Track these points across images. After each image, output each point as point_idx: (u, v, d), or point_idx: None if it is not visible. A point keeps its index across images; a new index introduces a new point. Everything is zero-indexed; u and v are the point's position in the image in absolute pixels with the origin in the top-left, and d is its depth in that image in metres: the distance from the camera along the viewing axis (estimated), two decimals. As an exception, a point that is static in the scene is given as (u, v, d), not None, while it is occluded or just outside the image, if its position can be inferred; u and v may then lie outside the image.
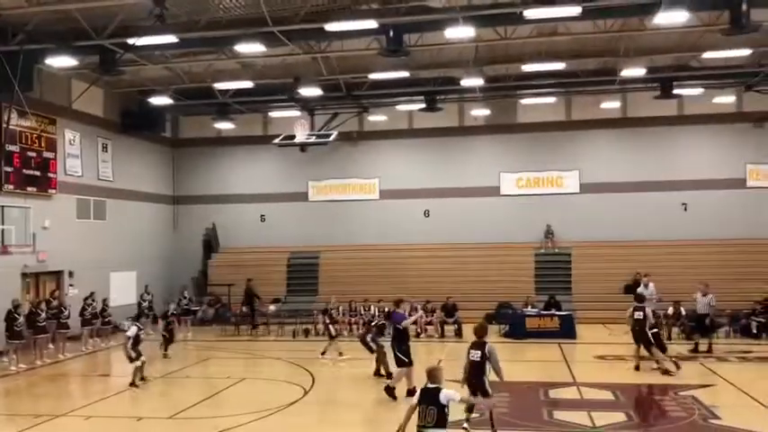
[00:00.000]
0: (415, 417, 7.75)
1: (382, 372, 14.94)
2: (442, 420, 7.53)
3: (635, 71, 22.14)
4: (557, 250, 27.17)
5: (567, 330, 21.00)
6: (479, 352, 10.61)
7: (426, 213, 28.54)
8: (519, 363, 18.06)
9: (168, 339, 18.82)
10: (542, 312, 22.02)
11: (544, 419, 11.84)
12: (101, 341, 20.87)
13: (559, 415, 12.08)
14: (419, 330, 21.90)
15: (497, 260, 26.96)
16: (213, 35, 18.23)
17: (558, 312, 21.92)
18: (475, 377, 10.54)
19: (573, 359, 17.91)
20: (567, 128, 27.75)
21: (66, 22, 17.48)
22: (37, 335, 18.03)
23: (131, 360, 14.75)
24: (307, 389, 14.39)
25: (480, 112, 27.74)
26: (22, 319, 17.63)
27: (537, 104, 26.94)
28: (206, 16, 17.57)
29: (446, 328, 21.89)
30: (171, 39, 17.59)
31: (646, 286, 19.58)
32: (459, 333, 21.51)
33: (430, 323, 22.09)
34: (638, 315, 15.70)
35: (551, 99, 26.77)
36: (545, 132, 27.69)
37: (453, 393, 7.75)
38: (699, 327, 18.74)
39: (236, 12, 17.67)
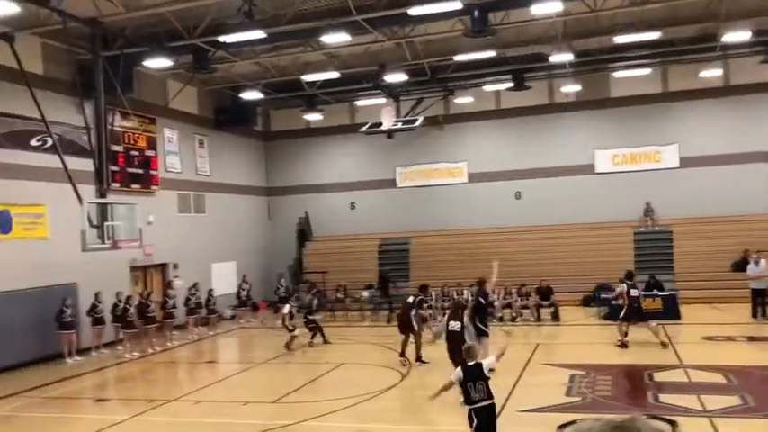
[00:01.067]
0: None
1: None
2: (490, 391, 8.24)
3: (738, 35, 20.78)
4: (657, 228, 26.08)
5: (670, 311, 20.16)
6: (459, 323, 12.61)
7: (518, 195, 28.03)
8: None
9: (315, 328, 18.79)
10: (644, 293, 21.21)
11: (650, 403, 11.42)
12: (207, 329, 21.80)
13: (666, 398, 11.63)
14: (514, 314, 21.64)
15: (594, 241, 26.15)
16: (299, 28, 18.53)
17: (660, 293, 21.08)
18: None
19: (678, 340, 17.14)
20: (663, 100, 26.49)
21: (161, 24, 18.25)
22: (147, 324, 19.06)
23: (290, 330, 17.98)
24: (404, 373, 14.50)
25: (571, 89, 26.88)
26: (133, 310, 18.70)
27: (631, 77, 25.80)
28: (291, 10, 17.87)
29: (542, 311, 21.49)
30: (259, 34, 18.00)
31: (756, 263, 18.54)
32: (555, 316, 21.08)
33: (525, 307, 21.75)
34: None
35: (646, 70, 25.59)
36: (640, 106, 26.53)
37: (490, 361, 8.53)
38: None
39: (321, 3, 17.88)
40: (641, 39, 21.15)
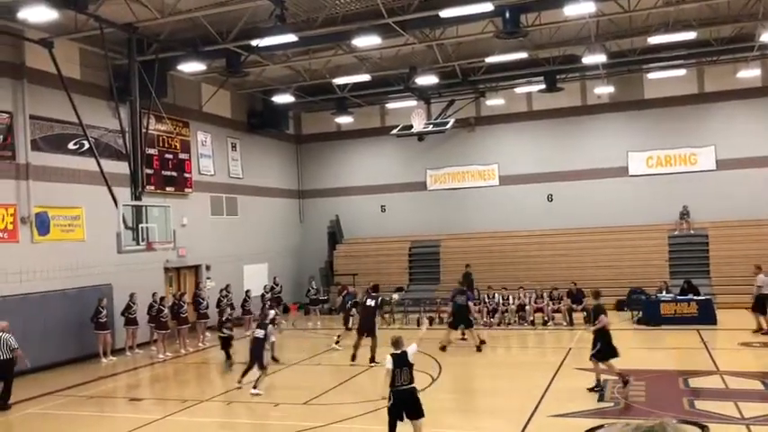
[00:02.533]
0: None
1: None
2: (412, 377, 9.26)
3: (777, 35, 20.37)
4: (692, 232, 25.60)
5: (706, 316, 19.83)
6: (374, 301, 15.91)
7: (550, 198, 27.77)
8: (654, 350, 17.34)
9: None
10: (678, 297, 20.89)
11: (685, 409, 11.21)
12: (244, 329, 21.93)
13: (702, 405, 11.40)
14: (546, 318, 21.44)
15: (628, 244, 25.78)
16: (331, 31, 18.64)
17: (695, 297, 20.71)
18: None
19: (714, 346, 16.84)
20: (699, 101, 26.01)
21: (195, 29, 18.52)
22: (180, 325, 19.31)
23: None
24: (434, 376, 14.46)
25: (604, 90, 26.52)
26: (167, 311, 18.95)
27: (665, 78, 25.40)
28: (323, 13, 17.98)
29: (574, 315, 21.23)
30: (291, 38, 18.14)
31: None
32: (588, 320, 20.81)
33: (557, 311, 21.53)
34: None
35: (681, 71, 25.18)
36: (675, 107, 26.10)
37: (413, 347, 9.38)
38: None
39: (352, 6, 17.95)
40: (676, 39, 20.84)
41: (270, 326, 14.31)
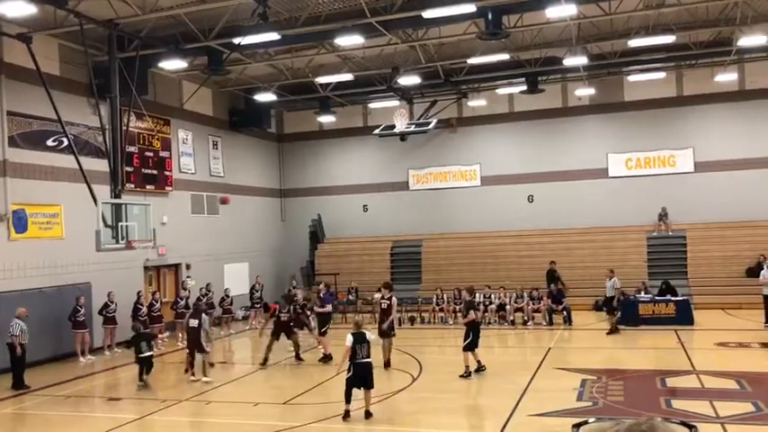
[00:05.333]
0: None
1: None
2: (369, 353, 11.19)
3: (754, 39, 20.65)
4: (670, 233, 25.91)
5: (683, 316, 20.06)
6: (389, 301, 15.38)
7: (530, 199, 27.95)
8: (632, 350, 17.52)
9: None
10: (656, 298, 21.12)
11: (662, 408, 11.34)
12: (220, 330, 21.87)
13: (678, 404, 11.57)
14: (526, 318, 21.57)
15: (607, 245, 26.05)
16: (313, 30, 18.59)
17: (673, 298, 20.95)
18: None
19: (691, 346, 17.06)
20: (678, 104, 26.33)
21: (176, 26, 18.40)
22: (153, 324, 19.13)
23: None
24: (415, 376, 14.50)
25: (585, 92, 26.79)
26: (144, 310, 18.82)
27: (645, 81, 25.71)
28: (306, 12, 17.94)
29: (554, 315, 21.38)
30: (274, 36, 18.09)
31: (770, 269, 18.42)
32: (568, 320, 21.00)
33: (537, 311, 21.67)
34: None
35: (661, 74, 25.48)
36: (655, 109, 26.40)
37: (369, 334, 11.45)
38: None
39: (335, 5, 17.93)
40: (656, 42, 21.06)
41: (203, 315, 15.19)
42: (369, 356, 11.11)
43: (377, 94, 26.80)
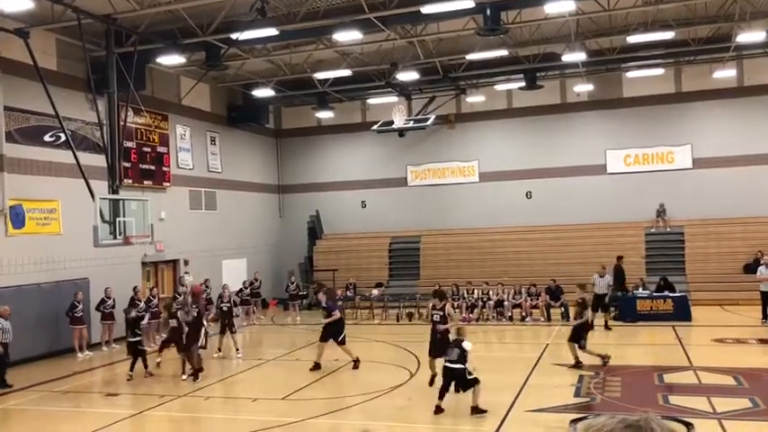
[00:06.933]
0: None
1: None
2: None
3: (753, 36, 20.66)
4: (668, 229, 25.92)
5: (681, 313, 20.09)
6: (441, 313, 13.00)
7: (528, 195, 27.95)
8: (630, 346, 17.56)
9: None
10: (654, 294, 21.14)
11: (659, 404, 11.36)
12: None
13: (676, 400, 11.58)
14: (524, 314, 21.59)
15: (605, 241, 26.00)
16: (312, 25, 18.57)
17: (671, 294, 20.98)
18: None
19: (689, 342, 17.09)
20: (676, 100, 26.31)
21: (175, 21, 18.34)
22: (151, 320, 19.08)
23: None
24: (413, 372, 14.51)
25: (583, 88, 26.77)
26: (142, 305, 18.79)
27: (644, 77, 25.69)
28: (304, 7, 17.90)
29: (552, 311, 21.41)
30: (272, 31, 18.04)
31: (767, 266, 18.45)
32: (565, 316, 21.02)
33: (536, 307, 21.70)
34: None
35: (659, 71, 25.46)
36: (653, 106, 26.38)
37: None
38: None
39: (333, 1, 17.89)
40: (655, 38, 21.06)
41: (180, 312, 15.25)
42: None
43: (375, 89, 26.77)
